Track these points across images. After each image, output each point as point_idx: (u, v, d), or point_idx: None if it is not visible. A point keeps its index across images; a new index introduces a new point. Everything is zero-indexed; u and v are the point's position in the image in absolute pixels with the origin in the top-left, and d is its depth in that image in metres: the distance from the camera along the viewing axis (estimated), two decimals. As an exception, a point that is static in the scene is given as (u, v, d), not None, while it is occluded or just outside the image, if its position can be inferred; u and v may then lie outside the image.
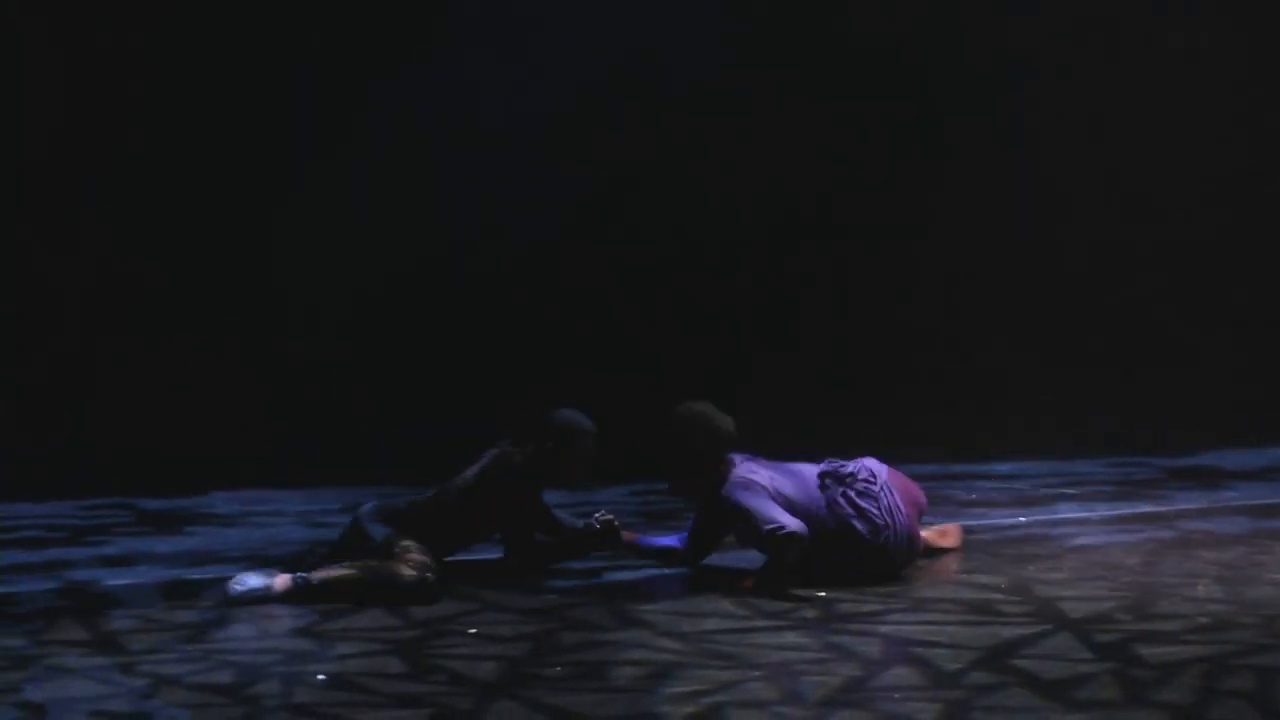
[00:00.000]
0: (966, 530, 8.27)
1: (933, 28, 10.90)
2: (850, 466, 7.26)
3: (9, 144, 9.68)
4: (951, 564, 7.59)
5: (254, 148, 9.91)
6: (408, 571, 6.88)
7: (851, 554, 7.15)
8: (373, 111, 10.14)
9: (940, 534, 7.75)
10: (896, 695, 5.70)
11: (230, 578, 6.84)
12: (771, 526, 6.98)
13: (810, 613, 6.73)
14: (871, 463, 7.33)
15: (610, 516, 7.45)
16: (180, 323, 10.01)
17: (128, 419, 9.64)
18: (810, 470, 7.27)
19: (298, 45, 9.96)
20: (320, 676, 5.89)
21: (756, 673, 5.93)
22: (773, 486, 7.13)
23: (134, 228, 9.90)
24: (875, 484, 7.22)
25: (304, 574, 6.90)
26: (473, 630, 6.49)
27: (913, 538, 7.26)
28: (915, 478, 8.49)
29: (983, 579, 7.27)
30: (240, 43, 9.91)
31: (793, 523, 7.00)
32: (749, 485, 7.12)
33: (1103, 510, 8.84)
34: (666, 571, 7.43)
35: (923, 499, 7.47)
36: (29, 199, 9.79)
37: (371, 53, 10.09)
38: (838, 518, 7.18)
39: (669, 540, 7.53)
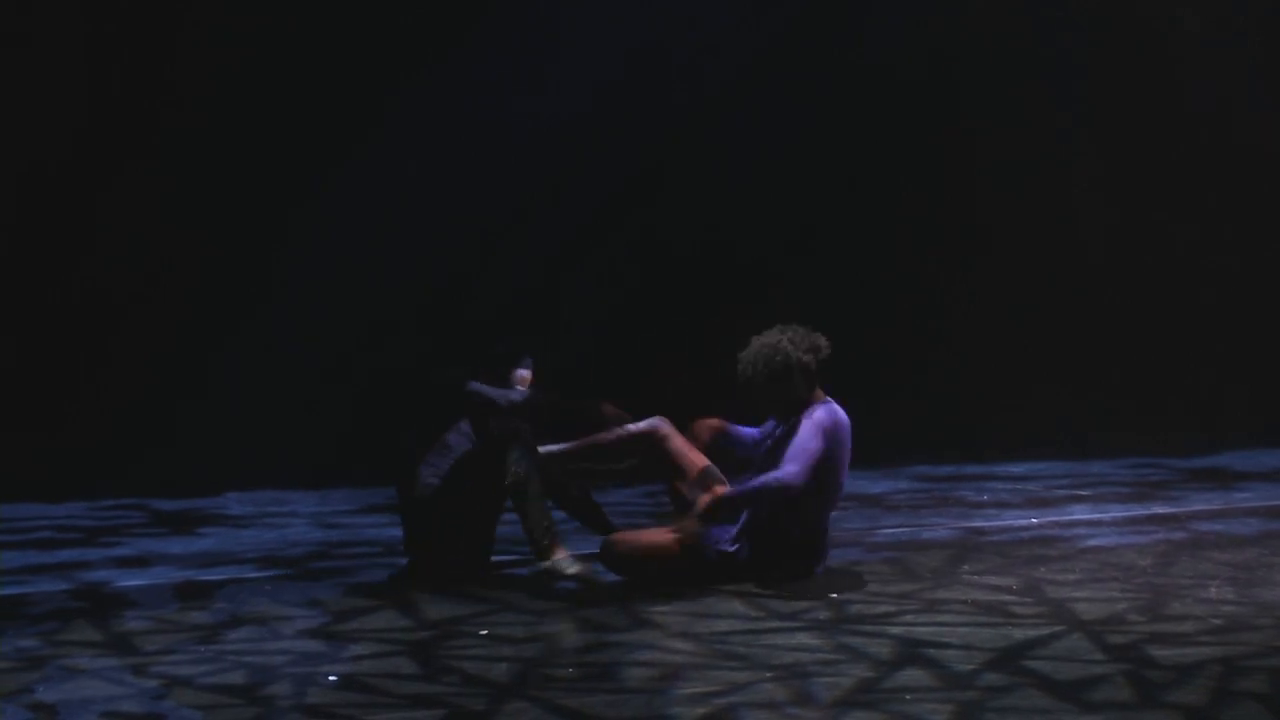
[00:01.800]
0: (979, 532, 8.27)
1: (951, 31, 10.92)
2: None
3: (31, 143, 9.71)
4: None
5: (271, 149, 9.95)
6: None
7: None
8: (387, 115, 10.18)
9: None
10: (908, 697, 5.68)
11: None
12: (788, 474, 6.96)
13: (822, 614, 6.72)
14: None
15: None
16: (194, 324, 10.03)
17: (142, 420, 9.66)
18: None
19: (308, 53, 10.00)
20: (332, 677, 5.89)
21: (768, 674, 5.92)
22: (839, 447, 7.11)
23: (149, 229, 9.92)
24: None
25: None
26: (485, 631, 6.48)
27: None
28: (930, 478, 8.53)
29: (995, 580, 7.25)
30: (254, 48, 9.95)
31: (800, 478, 6.97)
32: (822, 431, 7.05)
33: (1115, 511, 8.82)
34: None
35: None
36: (46, 198, 9.82)
37: (385, 58, 10.13)
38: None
39: (751, 431, 7.39)
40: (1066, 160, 11.23)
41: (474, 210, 10.36)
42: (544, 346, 7.40)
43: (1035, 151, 11.11)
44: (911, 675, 5.94)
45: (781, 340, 7.25)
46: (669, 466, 7.41)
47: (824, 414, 7.16)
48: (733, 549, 7.13)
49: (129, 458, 9.36)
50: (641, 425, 7.43)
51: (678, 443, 7.42)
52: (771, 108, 10.73)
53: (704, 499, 7.09)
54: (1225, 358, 11.32)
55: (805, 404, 7.22)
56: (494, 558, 7.39)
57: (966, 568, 7.47)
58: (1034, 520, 8.59)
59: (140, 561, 7.67)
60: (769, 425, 7.37)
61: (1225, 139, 11.40)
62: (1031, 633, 6.40)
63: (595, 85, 10.33)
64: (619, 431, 7.40)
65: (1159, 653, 6.14)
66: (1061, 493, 9.32)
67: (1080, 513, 8.79)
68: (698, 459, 7.40)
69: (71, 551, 7.87)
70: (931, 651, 6.20)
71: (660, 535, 7.21)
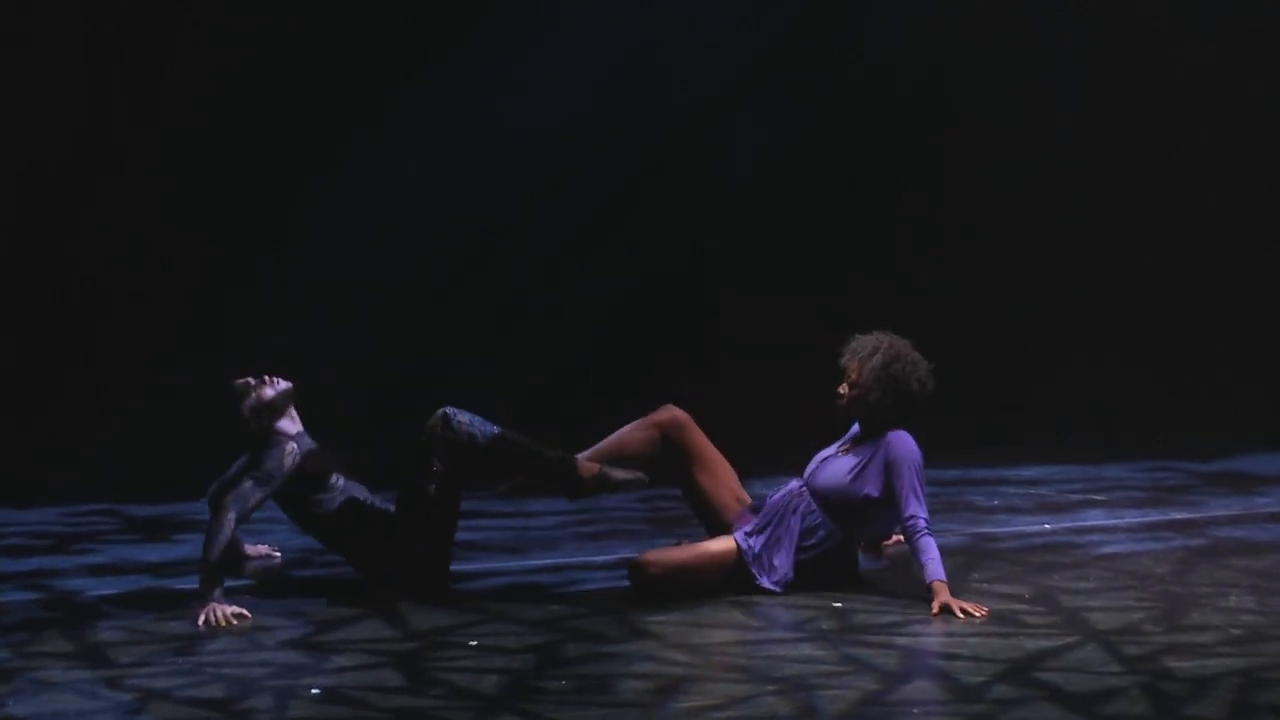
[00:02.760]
0: (989, 538, 8.27)
1: (951, 31, 11.09)
2: None
3: (15, 146, 9.86)
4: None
5: (260, 150, 10.11)
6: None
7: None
8: (387, 115, 10.36)
9: None
10: (916, 710, 5.69)
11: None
12: (911, 515, 6.98)
13: (826, 624, 6.72)
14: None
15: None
16: (171, 324, 10.10)
17: (115, 422, 9.68)
18: None
19: (308, 53, 10.20)
20: (315, 690, 5.88)
21: (770, 686, 5.92)
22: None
23: (128, 228, 10.02)
24: None
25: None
26: (474, 642, 6.48)
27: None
28: (937, 482, 8.49)
29: (1006, 589, 7.24)
30: (254, 48, 10.14)
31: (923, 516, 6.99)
32: (918, 471, 7.09)
33: (1131, 517, 8.82)
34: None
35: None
36: (29, 198, 9.94)
37: (385, 58, 10.32)
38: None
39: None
40: (1067, 160, 11.30)
41: (474, 210, 10.52)
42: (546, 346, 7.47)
43: (1035, 151, 11.21)
44: (919, 688, 5.94)
45: (905, 363, 7.23)
46: (688, 460, 7.36)
47: (913, 449, 7.14)
48: (781, 582, 7.14)
49: (101, 461, 9.37)
50: (661, 414, 7.39)
51: (698, 435, 7.39)
52: (771, 108, 10.90)
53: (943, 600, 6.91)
54: (1244, 357, 11.36)
55: (883, 429, 7.21)
56: (474, 566, 7.39)
57: (976, 576, 7.46)
58: (1046, 526, 8.59)
59: (114, 569, 7.66)
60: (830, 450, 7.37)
61: (1230, 136, 11.44)
62: (1044, 643, 6.41)
63: (595, 85, 10.53)
64: (641, 427, 7.36)
65: (1176, 664, 6.15)
66: (1075, 498, 9.32)
67: (1095, 518, 8.79)
68: (721, 462, 7.40)
69: (42, 559, 7.85)
70: (940, 663, 6.21)
71: (694, 554, 7.17)
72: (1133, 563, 7.77)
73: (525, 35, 10.55)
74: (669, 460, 7.35)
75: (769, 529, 7.17)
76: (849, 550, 7.27)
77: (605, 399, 7.65)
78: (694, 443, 7.37)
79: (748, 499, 7.37)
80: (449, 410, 7.09)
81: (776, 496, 7.26)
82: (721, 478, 7.36)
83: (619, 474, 7.19)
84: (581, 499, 7.31)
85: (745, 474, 7.53)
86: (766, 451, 8.63)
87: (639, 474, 7.24)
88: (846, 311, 10.79)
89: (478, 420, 7.10)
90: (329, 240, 10.24)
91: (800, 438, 7.67)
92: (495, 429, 7.09)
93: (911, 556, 6.99)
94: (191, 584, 7.05)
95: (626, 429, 7.37)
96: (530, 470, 7.13)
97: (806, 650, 6.37)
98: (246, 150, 10.07)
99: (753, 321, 10.72)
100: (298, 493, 7.13)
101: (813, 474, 7.27)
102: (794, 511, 7.19)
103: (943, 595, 6.80)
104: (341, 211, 10.29)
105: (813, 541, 7.16)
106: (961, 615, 6.72)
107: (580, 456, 7.23)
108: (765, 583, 7.10)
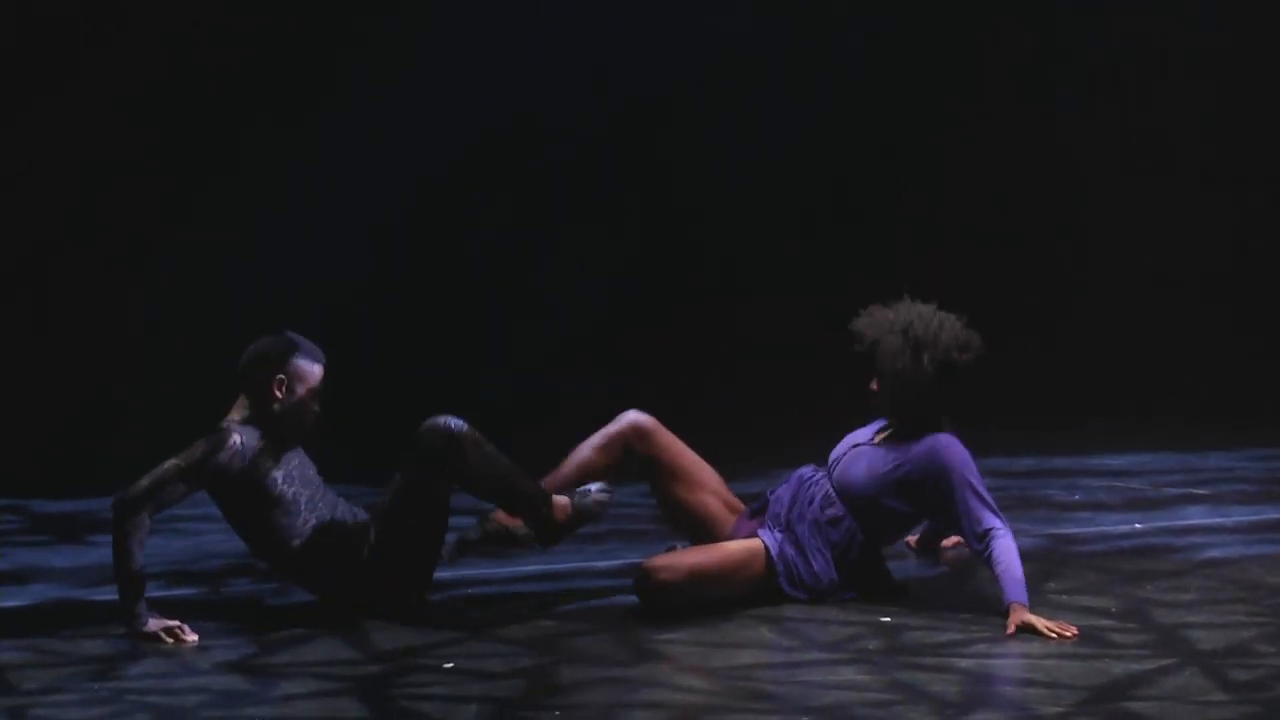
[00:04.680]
0: (1069, 540, 8.26)
1: (950, 31, 11.90)
2: None
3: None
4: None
5: (206, 131, 10.81)
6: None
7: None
8: (384, 112, 11.17)
9: None
10: (981, 747, 5.71)
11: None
12: (987, 529, 6.94)
13: (872, 643, 6.71)
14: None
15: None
16: (87, 299, 10.57)
17: (18, 407, 9.84)
18: None
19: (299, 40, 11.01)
20: (258, 723, 5.90)
21: (805, 718, 5.91)
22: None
23: (42, 205, 10.60)
24: None
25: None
26: (450, 665, 6.47)
27: None
28: (1007, 473, 8.48)
29: (1089, 601, 7.24)
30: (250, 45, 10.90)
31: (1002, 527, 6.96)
32: (975, 474, 7.04)
33: (1240, 515, 8.83)
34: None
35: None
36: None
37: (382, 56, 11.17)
38: None
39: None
40: (1066, 160, 11.92)
41: (473, 210, 11.38)
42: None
43: (1035, 151, 11.89)
44: (985, 719, 5.93)
45: (930, 327, 7.18)
46: (659, 472, 7.32)
47: (960, 454, 7.07)
48: (827, 588, 7.13)
49: (2, 449, 9.49)
50: (620, 424, 7.35)
51: (666, 439, 7.36)
52: (771, 108, 11.71)
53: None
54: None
55: (925, 426, 7.14)
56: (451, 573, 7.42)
57: (1054, 585, 7.46)
58: (1138, 526, 8.60)
59: (17, 577, 7.65)
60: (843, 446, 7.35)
61: (1230, 135, 12.06)
62: (1134, 666, 6.40)
63: (595, 84, 11.37)
64: (601, 444, 7.33)
65: (1295, 691, 6.15)
66: (1172, 492, 9.34)
67: (1195, 517, 8.81)
68: (702, 466, 7.36)
69: (-67, 566, 7.89)
70: (1010, 690, 6.20)
71: (716, 557, 7.12)
72: (1241, 570, 7.76)
73: (525, 34, 11.34)
74: (642, 471, 7.36)
75: (784, 525, 7.14)
76: (874, 552, 7.21)
77: (604, 399, 7.70)
78: (664, 450, 7.33)
79: (739, 505, 7.35)
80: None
81: (782, 488, 7.24)
82: (704, 484, 7.33)
83: (595, 498, 7.13)
84: (553, 545, 7.22)
85: (745, 477, 7.54)
86: (766, 453, 8.72)
87: (608, 487, 7.19)
88: (846, 311, 11.39)
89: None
90: (326, 239, 10.93)
91: (801, 438, 7.72)
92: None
93: (989, 569, 6.92)
94: (111, 594, 7.04)
95: (585, 449, 7.32)
96: (508, 498, 7.07)
97: (848, 674, 6.36)
98: (190, 135, 10.79)
99: (754, 321, 11.36)
100: (258, 517, 7.00)
101: (838, 463, 7.23)
102: (810, 502, 7.15)
103: (1021, 613, 6.76)
104: (339, 210, 11.02)
105: (835, 537, 7.12)
106: (1049, 634, 6.67)
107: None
108: (804, 590, 7.08)
